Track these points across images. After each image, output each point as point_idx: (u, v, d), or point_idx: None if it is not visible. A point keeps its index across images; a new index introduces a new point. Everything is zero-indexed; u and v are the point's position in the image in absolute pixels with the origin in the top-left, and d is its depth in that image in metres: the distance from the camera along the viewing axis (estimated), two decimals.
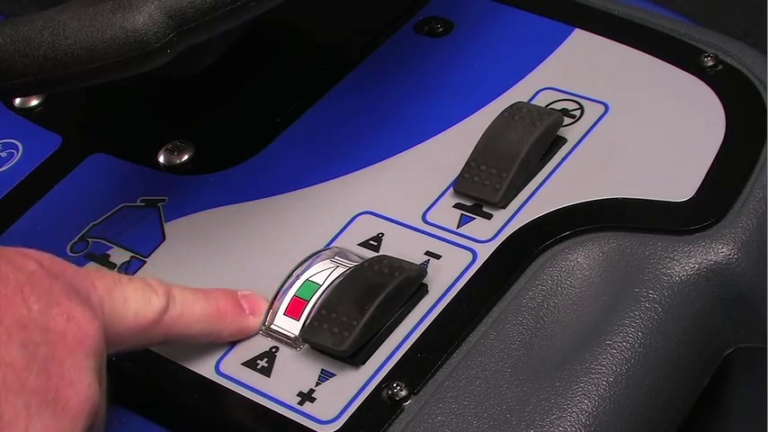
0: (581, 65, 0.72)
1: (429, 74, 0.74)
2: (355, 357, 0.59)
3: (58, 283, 0.52)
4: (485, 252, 0.63)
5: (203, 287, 0.64)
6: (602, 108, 0.69)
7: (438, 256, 0.63)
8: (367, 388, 0.58)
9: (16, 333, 0.48)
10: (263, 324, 0.62)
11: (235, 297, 0.61)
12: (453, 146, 0.68)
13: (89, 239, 0.69)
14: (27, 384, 0.48)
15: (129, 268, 0.67)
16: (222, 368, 0.61)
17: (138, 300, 0.56)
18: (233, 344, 0.62)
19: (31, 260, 0.52)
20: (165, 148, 0.73)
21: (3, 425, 0.47)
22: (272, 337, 0.62)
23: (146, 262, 0.67)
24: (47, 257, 0.53)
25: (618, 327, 0.59)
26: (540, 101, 0.70)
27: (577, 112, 0.69)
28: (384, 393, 0.58)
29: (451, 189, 0.66)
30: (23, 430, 0.47)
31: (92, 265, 0.67)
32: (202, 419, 0.61)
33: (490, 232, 0.64)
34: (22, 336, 0.49)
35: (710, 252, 0.61)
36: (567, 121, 0.68)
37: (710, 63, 0.70)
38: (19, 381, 0.48)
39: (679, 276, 0.61)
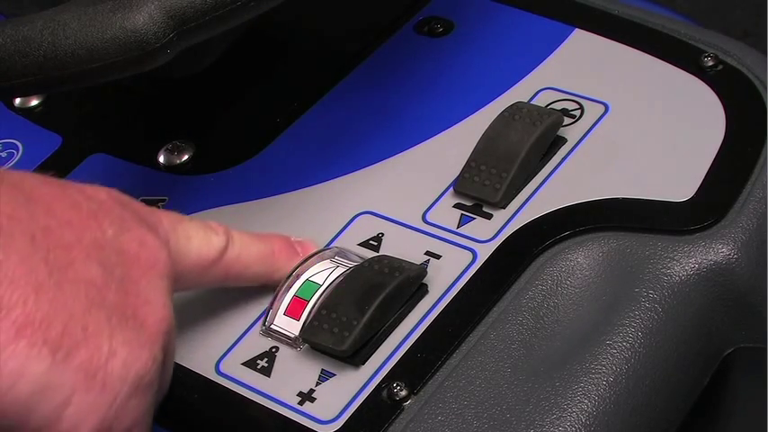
0: (581, 65, 0.72)
1: (429, 74, 0.74)
2: (355, 357, 0.59)
3: (127, 211, 0.53)
4: (485, 252, 0.63)
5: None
6: (602, 108, 0.69)
7: (438, 256, 0.63)
8: (367, 388, 0.58)
9: (94, 252, 0.50)
10: (264, 324, 0.62)
11: (289, 242, 0.63)
12: (453, 146, 0.68)
13: None
14: (107, 300, 0.49)
15: None
16: (222, 368, 0.61)
17: (200, 238, 0.58)
18: (233, 343, 0.62)
19: (101, 191, 0.54)
20: (165, 148, 0.73)
21: (88, 335, 0.48)
22: (272, 337, 0.62)
23: None
24: (114, 191, 0.55)
25: (618, 327, 0.59)
26: (540, 101, 0.70)
27: (577, 112, 0.69)
28: (384, 393, 0.58)
29: (451, 189, 0.66)
30: (107, 341, 0.49)
31: None
32: (202, 419, 0.61)
33: (490, 232, 0.64)
34: (99, 255, 0.50)
35: (710, 252, 0.61)
36: (567, 121, 0.68)
37: (710, 63, 0.70)
38: (100, 296, 0.49)
39: (679, 276, 0.61)
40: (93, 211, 0.52)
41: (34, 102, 0.78)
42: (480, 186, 0.65)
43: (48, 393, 0.47)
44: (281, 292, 0.62)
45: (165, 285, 0.53)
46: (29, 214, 0.49)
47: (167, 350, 0.53)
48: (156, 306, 0.51)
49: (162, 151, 0.73)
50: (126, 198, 0.55)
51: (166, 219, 0.56)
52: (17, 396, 0.46)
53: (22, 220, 0.48)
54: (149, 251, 0.53)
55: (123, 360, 0.49)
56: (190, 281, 0.58)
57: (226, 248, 0.59)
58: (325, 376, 0.59)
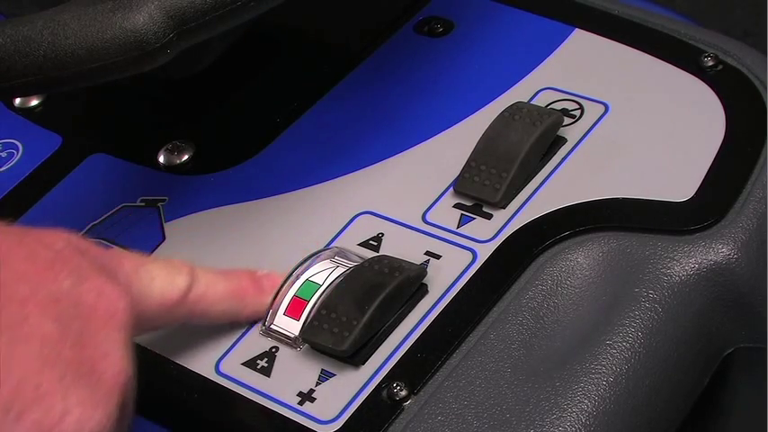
0: (581, 65, 0.72)
1: (429, 74, 0.74)
2: (355, 357, 0.59)
3: (86, 259, 0.52)
4: (485, 252, 0.63)
5: None
6: (602, 108, 0.69)
7: (438, 256, 0.63)
8: (367, 388, 0.58)
9: (49, 307, 0.49)
10: (264, 324, 0.62)
11: (255, 276, 0.62)
12: (453, 146, 0.68)
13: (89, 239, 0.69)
14: (62, 356, 0.48)
15: None
16: (222, 368, 0.61)
17: (163, 279, 0.57)
18: (233, 343, 0.62)
19: (59, 238, 0.52)
20: (165, 148, 0.73)
21: (40, 395, 0.47)
22: (272, 337, 0.62)
23: None
24: (74, 236, 0.53)
25: (618, 327, 0.59)
26: (540, 101, 0.70)
27: (577, 112, 0.69)
28: (384, 393, 0.58)
29: (451, 189, 0.66)
30: (60, 401, 0.48)
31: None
32: (202, 419, 0.61)
33: (490, 232, 0.64)
34: (55, 309, 0.49)
35: (710, 252, 0.61)
36: (567, 121, 0.68)
37: (710, 63, 0.70)
38: (54, 353, 0.48)
39: (679, 276, 0.61)
40: (51, 262, 0.50)
41: (34, 102, 0.78)
42: (480, 186, 0.65)
43: None
44: (281, 292, 0.62)
45: (124, 337, 0.51)
46: None
47: (125, 404, 0.51)
48: (114, 359, 0.50)
49: (162, 151, 0.73)
50: (85, 244, 0.53)
51: (128, 262, 0.55)
52: None
53: None
54: (108, 301, 0.51)
55: (77, 419, 0.48)
56: (155, 322, 0.57)
57: (190, 288, 0.58)
58: (325, 376, 0.59)
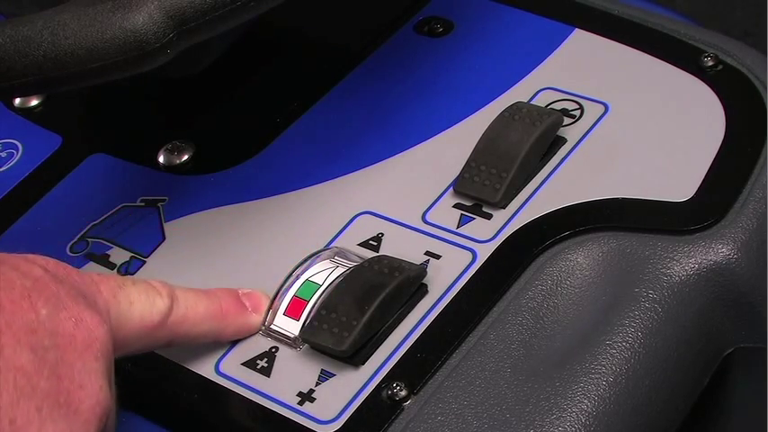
0: (581, 65, 0.72)
1: (429, 74, 0.74)
2: (355, 357, 0.59)
3: (64, 287, 0.52)
4: (485, 252, 0.63)
5: (204, 287, 0.64)
6: (602, 108, 0.69)
7: (438, 256, 0.63)
8: (367, 388, 0.58)
9: (25, 338, 0.48)
10: (263, 324, 0.62)
11: (236, 295, 0.62)
12: (453, 146, 0.68)
13: (89, 239, 0.69)
14: (38, 388, 0.48)
15: (129, 268, 0.67)
16: (222, 368, 0.61)
17: (142, 302, 0.56)
18: (233, 344, 0.62)
19: (36, 265, 0.52)
20: (165, 148, 0.73)
21: (16, 428, 0.47)
22: (271, 337, 0.62)
23: (146, 262, 0.67)
24: (51, 262, 0.53)
25: (618, 327, 0.59)
26: (540, 101, 0.70)
27: (577, 112, 0.69)
28: (384, 393, 0.58)
29: (451, 189, 0.66)
30: None
31: (91, 267, 0.67)
32: (202, 419, 0.61)
33: (490, 232, 0.64)
34: (31, 340, 0.49)
35: (710, 252, 0.61)
36: (567, 121, 0.68)
37: (710, 63, 0.70)
38: (30, 385, 0.48)
39: (679, 276, 0.61)
40: (27, 290, 0.50)
41: (34, 102, 0.78)
42: (480, 186, 0.65)
43: None
44: (280, 292, 0.62)
45: (102, 366, 0.51)
46: None
47: None
48: (91, 390, 0.50)
49: (162, 151, 0.73)
50: (63, 271, 0.53)
51: (105, 287, 0.55)
52: None
53: None
54: (85, 330, 0.51)
55: None
56: (134, 346, 0.56)
57: (170, 310, 0.57)
58: (324, 376, 0.59)
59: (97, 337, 0.51)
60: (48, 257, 0.53)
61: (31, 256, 0.53)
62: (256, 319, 0.62)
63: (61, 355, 0.49)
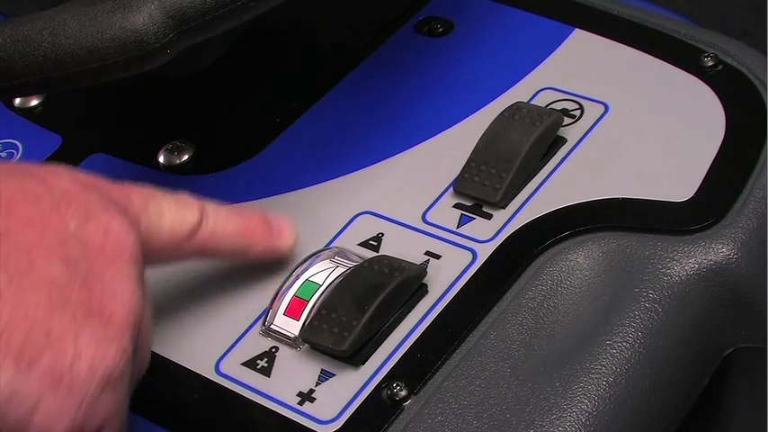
0: (581, 65, 0.72)
1: (429, 74, 0.74)
2: (355, 357, 0.59)
3: (93, 195, 0.52)
4: (485, 252, 0.63)
5: (203, 287, 0.65)
6: (602, 108, 0.69)
7: (438, 256, 0.63)
8: (367, 388, 0.58)
9: (56, 251, 0.49)
10: (263, 324, 0.62)
11: (266, 218, 0.62)
12: (453, 146, 0.68)
13: None
14: (71, 300, 0.49)
15: None
16: (222, 368, 0.61)
17: (173, 214, 0.57)
18: (233, 343, 0.62)
19: (64, 177, 0.52)
20: (165, 148, 0.73)
21: (52, 340, 0.48)
22: (271, 337, 0.62)
23: None
24: (81, 173, 0.54)
25: (618, 327, 0.59)
26: (540, 101, 0.70)
27: (577, 112, 0.69)
28: (384, 393, 0.58)
29: (451, 189, 0.66)
30: (72, 343, 0.48)
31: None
32: (202, 419, 0.61)
33: (490, 232, 0.64)
34: (61, 252, 0.49)
35: (710, 252, 0.61)
36: (567, 121, 0.68)
37: (710, 63, 0.70)
38: (63, 296, 0.48)
39: (679, 276, 0.61)
40: (56, 203, 0.51)
41: (34, 102, 0.78)
42: (480, 186, 0.65)
43: (14, 402, 0.47)
44: (280, 292, 0.62)
45: (133, 273, 0.52)
46: None
47: (139, 338, 0.52)
48: (123, 297, 0.50)
49: (162, 151, 0.73)
50: (92, 180, 0.54)
51: (137, 196, 0.55)
52: None
53: None
54: (115, 239, 0.51)
55: (89, 360, 0.48)
56: (163, 257, 0.58)
57: (200, 224, 0.58)
58: (325, 376, 0.59)
59: (126, 244, 0.52)
60: (77, 169, 0.54)
61: (59, 167, 0.53)
62: (282, 244, 0.63)
63: (92, 266, 0.50)
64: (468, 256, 0.63)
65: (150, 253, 0.55)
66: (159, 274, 0.62)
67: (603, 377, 0.57)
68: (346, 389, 0.59)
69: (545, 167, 0.66)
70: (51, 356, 0.47)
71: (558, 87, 0.70)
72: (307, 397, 0.59)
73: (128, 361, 0.50)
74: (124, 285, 0.51)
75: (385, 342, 0.60)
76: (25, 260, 0.48)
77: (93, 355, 0.48)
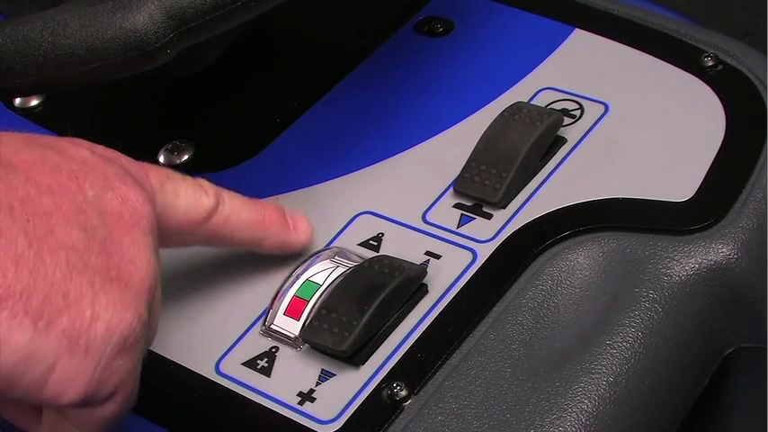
0: (581, 65, 0.72)
1: (429, 74, 0.74)
2: (355, 357, 0.59)
3: (112, 167, 0.53)
4: (485, 252, 0.63)
5: (203, 287, 0.65)
6: (602, 108, 0.69)
7: (438, 256, 0.63)
8: (367, 388, 0.58)
9: (74, 217, 0.50)
10: (263, 324, 0.62)
11: (282, 211, 0.63)
12: (453, 146, 0.68)
13: None
14: (89, 264, 0.49)
15: None
16: (222, 368, 0.61)
17: (189, 197, 0.57)
18: (233, 343, 0.62)
19: (83, 148, 0.53)
20: (165, 148, 0.73)
21: (70, 302, 0.48)
22: (272, 337, 0.62)
23: None
24: (99, 146, 0.54)
25: (618, 327, 0.59)
26: (540, 101, 0.70)
27: (577, 112, 0.69)
28: (384, 393, 0.58)
29: (451, 189, 0.66)
30: (90, 306, 0.49)
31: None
32: (202, 419, 0.61)
33: (490, 232, 0.64)
34: (80, 219, 0.50)
35: (710, 252, 0.61)
36: (567, 121, 0.68)
37: (710, 63, 0.70)
38: (82, 261, 0.49)
39: (679, 276, 0.61)
40: (74, 173, 0.51)
41: (34, 102, 0.78)
42: (480, 186, 0.65)
43: (31, 362, 0.47)
44: (281, 292, 0.62)
45: (149, 242, 0.52)
46: (6, 185, 0.49)
47: (153, 306, 0.53)
48: (141, 264, 0.51)
49: (162, 151, 0.73)
50: (112, 153, 0.54)
51: (154, 175, 0.56)
52: (1, 366, 0.47)
53: None
54: (132, 208, 0.52)
55: (107, 323, 0.49)
56: (175, 239, 0.58)
57: (215, 210, 0.58)
58: (325, 376, 0.59)
59: (143, 213, 0.52)
60: (96, 143, 0.55)
61: (78, 140, 0.54)
62: (296, 238, 0.63)
63: (110, 232, 0.51)
64: (469, 256, 0.63)
65: (163, 233, 0.55)
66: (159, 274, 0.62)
67: (604, 377, 0.57)
68: (346, 389, 0.59)
69: (545, 167, 0.66)
70: (69, 318, 0.48)
71: (558, 87, 0.70)
72: (307, 397, 0.59)
73: (143, 326, 0.51)
74: (141, 252, 0.52)
75: (385, 342, 0.60)
76: (44, 225, 0.49)
77: (110, 317, 0.49)
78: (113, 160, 0.54)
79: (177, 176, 0.58)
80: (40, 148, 0.52)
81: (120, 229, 0.51)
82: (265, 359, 0.61)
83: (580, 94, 0.70)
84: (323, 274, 0.62)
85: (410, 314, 0.61)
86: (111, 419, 0.53)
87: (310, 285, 0.62)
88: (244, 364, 0.61)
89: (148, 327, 0.52)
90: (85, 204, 0.51)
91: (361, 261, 0.62)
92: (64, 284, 0.48)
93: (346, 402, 0.58)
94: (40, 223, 0.49)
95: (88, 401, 0.50)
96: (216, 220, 0.59)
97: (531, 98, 0.70)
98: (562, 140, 0.67)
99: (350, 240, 0.65)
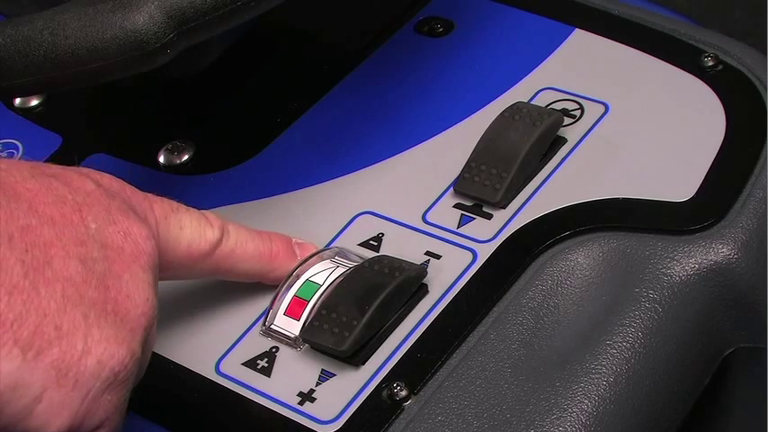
0: (581, 65, 0.72)
1: (429, 74, 0.74)
2: (355, 357, 0.59)
3: (115, 201, 0.53)
4: (485, 252, 0.63)
5: (203, 287, 0.65)
6: (602, 108, 0.69)
7: (438, 256, 0.63)
8: (367, 388, 0.58)
9: (74, 250, 0.50)
10: (264, 324, 0.62)
11: (289, 242, 0.62)
12: (453, 146, 0.68)
13: None
14: (86, 297, 0.49)
15: None
16: (222, 368, 0.61)
17: (193, 229, 0.57)
18: (233, 343, 0.62)
19: (89, 180, 0.53)
20: (165, 148, 0.73)
21: (62, 334, 0.48)
22: (272, 337, 0.62)
23: None
24: (106, 177, 0.54)
25: (618, 327, 0.59)
26: (540, 101, 0.70)
27: (577, 112, 0.69)
28: (384, 393, 0.58)
29: (451, 189, 0.66)
30: (82, 339, 0.49)
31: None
32: (202, 419, 0.61)
33: (490, 232, 0.64)
34: (80, 252, 0.50)
35: (710, 252, 0.61)
36: (567, 121, 0.68)
37: (710, 63, 0.70)
38: (78, 293, 0.49)
39: (679, 276, 0.61)
40: (78, 205, 0.51)
41: (34, 102, 0.78)
42: (480, 186, 0.65)
43: (18, 391, 0.47)
44: (281, 292, 0.62)
45: (149, 278, 0.52)
46: (8, 214, 0.49)
47: (147, 343, 0.52)
48: (138, 300, 0.51)
49: (162, 151, 0.73)
50: (117, 186, 0.54)
51: (158, 208, 0.56)
52: None
53: (0, 221, 0.48)
54: (134, 243, 0.52)
55: (98, 358, 0.49)
56: (178, 271, 0.58)
57: (219, 242, 0.58)
58: (325, 376, 0.59)
59: (144, 249, 0.52)
60: (103, 172, 0.54)
61: (85, 169, 0.54)
62: None
63: (109, 267, 0.51)
64: (469, 256, 0.63)
65: (166, 265, 0.55)
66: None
67: (604, 377, 0.57)
68: (346, 389, 0.59)
69: (545, 167, 0.66)
70: (60, 350, 0.48)
71: (558, 87, 0.70)
72: (307, 397, 0.59)
73: (135, 363, 0.51)
74: (140, 289, 0.51)
75: (385, 342, 0.60)
76: (43, 256, 0.49)
77: (102, 352, 0.49)
78: (118, 194, 0.54)
79: (181, 208, 0.57)
80: (46, 178, 0.52)
81: (120, 264, 0.51)
82: (265, 359, 0.61)
83: (580, 94, 0.70)
84: (323, 274, 0.62)
85: (410, 314, 0.61)
86: None
87: (310, 285, 0.62)
88: (244, 364, 0.61)
89: (139, 364, 0.52)
90: (87, 237, 0.50)
91: (362, 261, 0.62)
92: (57, 316, 0.48)
93: (346, 402, 0.58)
94: (38, 254, 0.49)
95: None
96: (220, 252, 0.59)
97: (531, 98, 0.70)
98: (562, 140, 0.67)
99: (350, 240, 0.65)
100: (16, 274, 0.48)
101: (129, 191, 0.55)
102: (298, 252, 0.62)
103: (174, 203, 0.57)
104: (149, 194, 0.56)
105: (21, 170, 0.51)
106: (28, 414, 0.48)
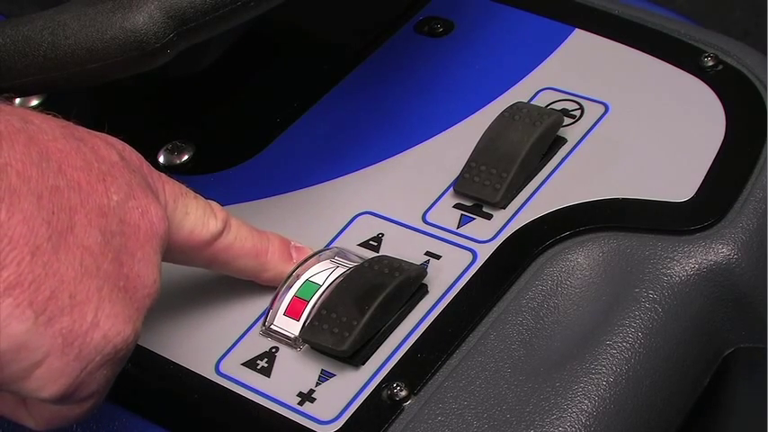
0: (581, 65, 0.72)
1: (429, 74, 0.74)
2: (355, 357, 0.59)
3: (136, 176, 0.53)
4: (485, 252, 0.63)
5: (203, 287, 0.65)
6: (602, 108, 0.69)
7: (438, 257, 0.63)
8: (367, 388, 0.58)
9: (96, 220, 0.50)
10: (264, 324, 0.62)
11: (287, 244, 0.63)
12: (453, 146, 0.68)
13: None
14: (102, 269, 0.49)
15: None
16: (222, 368, 0.61)
17: (198, 216, 0.57)
18: (233, 344, 0.62)
19: (114, 150, 0.53)
20: (165, 148, 0.73)
21: (75, 303, 0.48)
22: (272, 337, 0.62)
23: None
24: (127, 149, 0.55)
25: (618, 327, 0.59)
26: (540, 101, 0.70)
27: (577, 112, 0.69)
28: (384, 393, 0.58)
29: (451, 189, 0.66)
30: (93, 311, 0.49)
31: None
32: (202, 419, 0.61)
33: (490, 232, 0.64)
34: (101, 223, 0.50)
35: (710, 252, 0.61)
36: (567, 121, 0.68)
37: (710, 63, 0.70)
38: (95, 264, 0.49)
39: (679, 276, 0.61)
40: (103, 174, 0.51)
41: (34, 102, 0.78)
42: (480, 186, 0.65)
43: (22, 352, 0.47)
44: (280, 292, 0.62)
45: (158, 260, 0.53)
46: (39, 172, 0.49)
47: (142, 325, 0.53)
48: (147, 281, 0.51)
49: (162, 151, 0.73)
50: (137, 161, 0.55)
51: (169, 189, 0.56)
52: None
53: (31, 179, 0.48)
54: (149, 222, 0.52)
55: (105, 332, 0.49)
56: (176, 256, 0.58)
57: (220, 234, 0.58)
58: (325, 376, 0.59)
59: (158, 231, 0.53)
60: (125, 144, 0.55)
61: (110, 138, 0.54)
62: None
63: (125, 242, 0.51)
64: (469, 256, 0.63)
65: (167, 248, 0.55)
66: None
67: (604, 377, 0.57)
68: (346, 389, 0.59)
69: (545, 168, 0.66)
70: (70, 319, 0.48)
71: (558, 87, 0.70)
72: (307, 397, 0.59)
73: (135, 342, 0.51)
74: (150, 269, 0.52)
75: (385, 342, 0.60)
76: (68, 221, 0.49)
77: (110, 328, 0.49)
78: (139, 169, 0.54)
79: (190, 193, 0.58)
80: (75, 141, 0.52)
81: (134, 242, 0.51)
82: (265, 359, 0.61)
83: (580, 94, 0.70)
84: (323, 274, 0.62)
85: (410, 314, 0.61)
86: (70, 420, 0.53)
87: (310, 286, 0.62)
88: (244, 364, 0.61)
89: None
90: (108, 209, 0.51)
91: (361, 261, 0.62)
92: (73, 284, 0.48)
93: (346, 403, 0.58)
94: (64, 217, 0.49)
95: (62, 401, 0.50)
96: (218, 245, 0.59)
97: (531, 98, 0.70)
98: (562, 140, 0.67)
99: (350, 240, 0.65)
100: (41, 236, 0.48)
101: (146, 168, 0.55)
102: (294, 255, 0.62)
103: (184, 187, 0.58)
104: (162, 174, 0.56)
105: (53, 128, 0.51)
106: (26, 376, 0.48)
